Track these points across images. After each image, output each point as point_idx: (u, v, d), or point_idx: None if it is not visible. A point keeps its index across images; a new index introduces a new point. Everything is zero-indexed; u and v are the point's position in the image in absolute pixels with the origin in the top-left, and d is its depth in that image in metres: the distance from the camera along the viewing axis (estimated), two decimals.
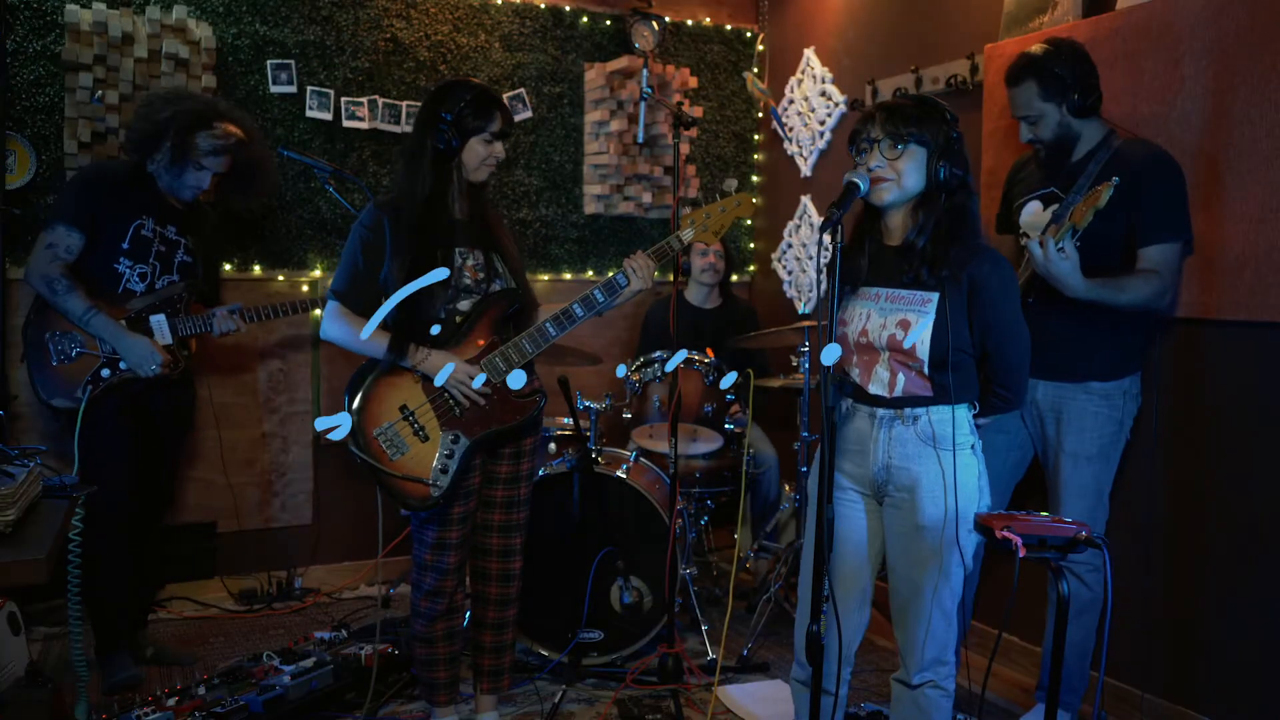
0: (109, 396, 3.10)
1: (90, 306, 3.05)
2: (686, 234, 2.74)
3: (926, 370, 2.12)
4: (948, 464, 2.13)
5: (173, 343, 3.21)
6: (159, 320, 3.18)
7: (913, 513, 2.15)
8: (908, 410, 2.15)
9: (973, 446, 2.18)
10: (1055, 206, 2.75)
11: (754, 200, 2.76)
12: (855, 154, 2.17)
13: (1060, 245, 2.43)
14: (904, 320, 2.13)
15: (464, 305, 2.60)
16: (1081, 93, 2.65)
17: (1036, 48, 2.70)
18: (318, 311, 4.04)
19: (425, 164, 2.54)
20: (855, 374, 2.22)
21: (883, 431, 2.18)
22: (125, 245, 3.10)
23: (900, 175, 2.10)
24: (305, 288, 4.05)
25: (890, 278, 2.17)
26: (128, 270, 3.13)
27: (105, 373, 3.10)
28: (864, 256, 2.22)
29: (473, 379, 2.54)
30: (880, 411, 2.18)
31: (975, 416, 2.22)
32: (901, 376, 2.15)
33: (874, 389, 2.18)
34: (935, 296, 2.11)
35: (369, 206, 2.61)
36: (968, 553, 2.14)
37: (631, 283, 2.65)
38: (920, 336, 2.10)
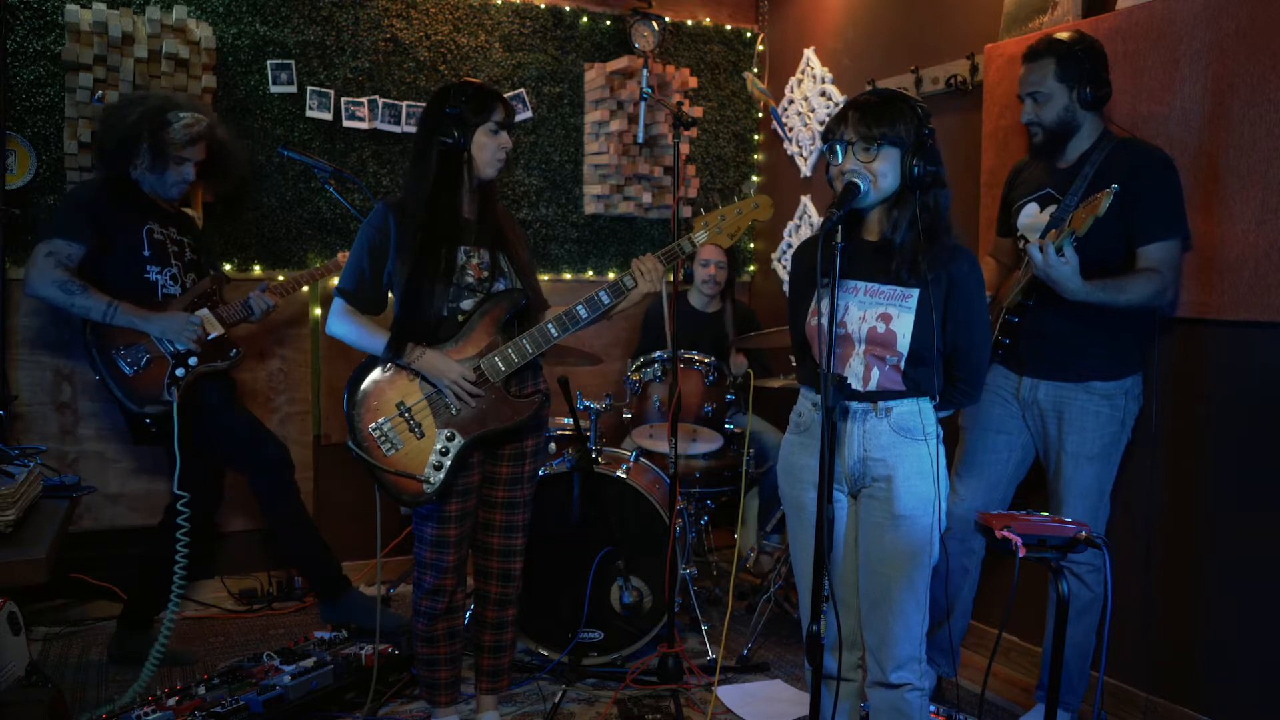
0: (195, 388, 3.20)
1: (111, 301, 3.09)
2: (699, 236, 2.66)
3: (903, 365, 2.15)
4: (921, 454, 2.16)
5: (224, 332, 3.29)
6: (204, 314, 3.25)
7: (890, 503, 2.16)
8: (881, 403, 2.17)
9: (938, 437, 2.21)
10: (1052, 208, 2.75)
11: (772, 204, 2.72)
12: (829, 153, 2.18)
13: (1060, 249, 2.44)
14: (885, 314, 2.14)
15: (466, 304, 2.59)
16: (1093, 85, 2.67)
17: (1063, 33, 2.74)
18: (317, 310, 4.05)
19: (432, 162, 2.54)
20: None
21: (857, 425, 2.19)
22: (146, 252, 3.15)
23: (875, 176, 2.11)
24: (305, 288, 4.05)
25: (869, 272, 2.18)
26: (158, 276, 3.19)
27: (180, 372, 3.17)
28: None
29: (470, 379, 2.55)
30: (854, 405, 2.18)
31: (934, 409, 2.24)
32: (876, 370, 2.16)
33: (849, 382, 2.19)
34: (916, 293, 2.13)
35: (378, 205, 2.62)
36: (937, 541, 2.18)
37: (639, 285, 2.62)
38: (903, 331, 2.13)
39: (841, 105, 2.21)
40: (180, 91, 3.57)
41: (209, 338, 3.25)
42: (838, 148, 2.14)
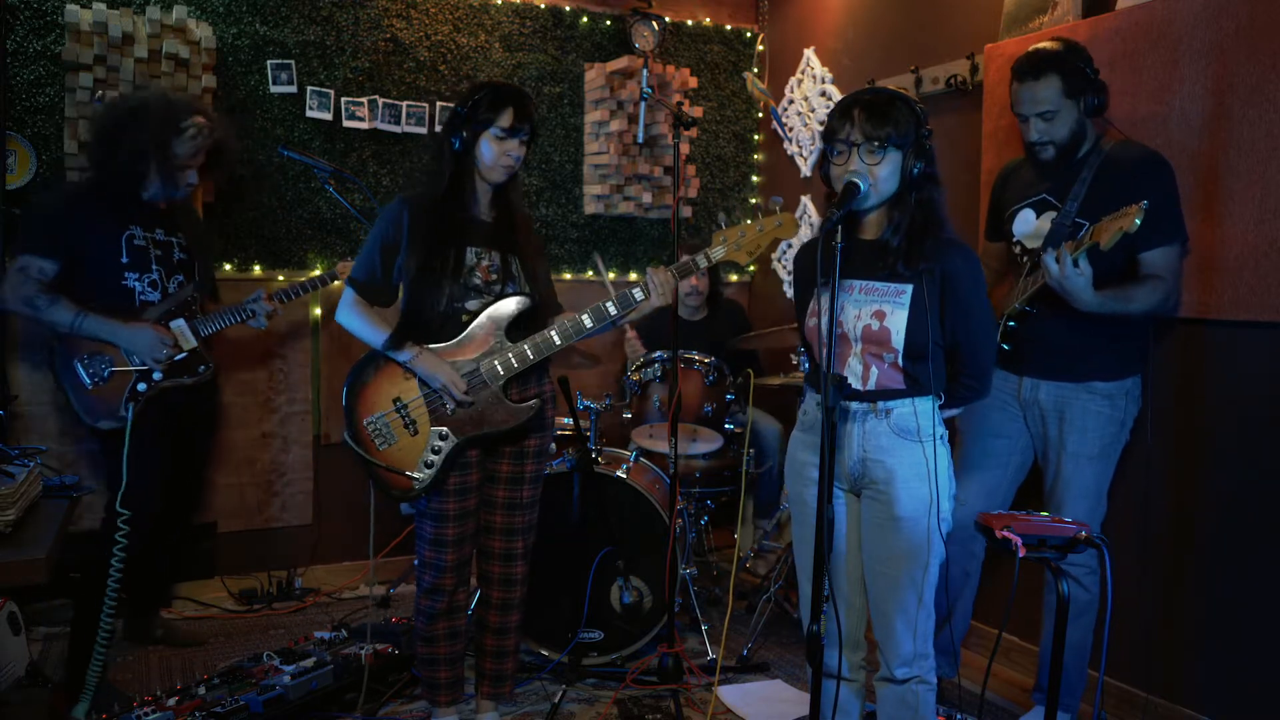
0: (149, 409, 3.05)
1: (79, 311, 2.95)
2: (716, 252, 2.55)
3: (900, 362, 2.15)
4: (920, 455, 2.15)
5: (198, 345, 3.17)
6: (180, 325, 3.14)
7: (889, 504, 2.17)
8: (881, 403, 2.17)
9: (941, 437, 2.21)
10: (1052, 214, 2.74)
11: (797, 222, 2.59)
12: (832, 153, 2.17)
13: (1077, 261, 2.43)
14: (879, 311, 2.15)
15: (472, 305, 2.59)
16: (1095, 91, 2.65)
17: (1051, 44, 2.67)
18: (318, 311, 4.05)
19: (444, 161, 2.57)
20: None
21: (856, 425, 2.19)
22: (124, 259, 3.04)
23: (877, 180, 2.12)
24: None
25: (865, 270, 2.18)
26: (137, 283, 3.07)
27: (142, 386, 3.05)
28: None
29: (460, 388, 2.55)
30: (854, 405, 2.19)
31: (942, 407, 2.24)
32: (875, 369, 2.17)
33: (848, 382, 2.19)
34: (910, 288, 2.14)
35: (396, 199, 2.64)
36: (940, 541, 2.17)
37: (650, 298, 2.57)
38: (896, 327, 2.13)
39: (842, 102, 2.18)
40: (177, 91, 3.50)
41: (177, 358, 3.10)
42: (843, 148, 2.14)
